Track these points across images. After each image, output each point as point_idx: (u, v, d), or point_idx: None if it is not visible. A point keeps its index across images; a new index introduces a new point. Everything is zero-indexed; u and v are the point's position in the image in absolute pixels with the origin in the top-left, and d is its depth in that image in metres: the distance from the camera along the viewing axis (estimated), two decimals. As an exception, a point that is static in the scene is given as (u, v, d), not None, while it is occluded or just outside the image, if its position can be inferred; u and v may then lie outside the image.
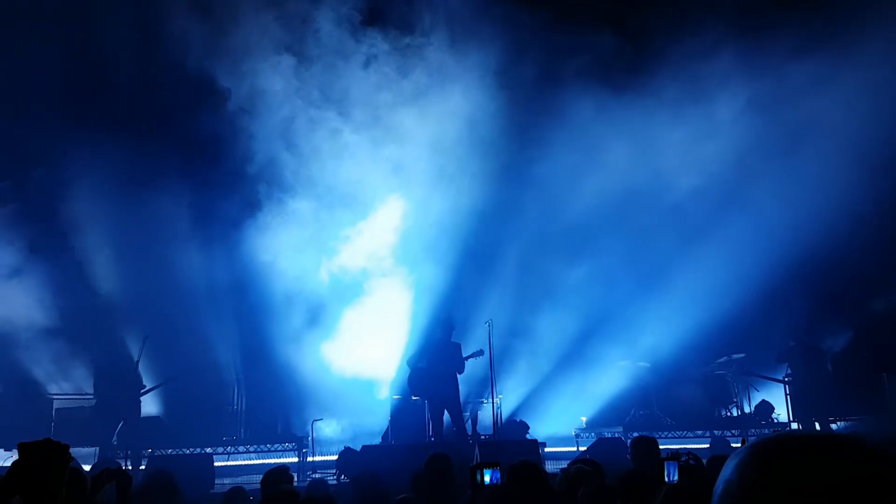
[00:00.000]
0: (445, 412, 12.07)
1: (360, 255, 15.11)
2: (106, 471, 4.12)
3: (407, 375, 12.50)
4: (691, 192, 14.20)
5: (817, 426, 12.69)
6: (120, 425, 11.72)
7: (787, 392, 13.45)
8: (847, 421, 13.04)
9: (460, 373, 12.22)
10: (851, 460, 0.97)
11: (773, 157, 13.85)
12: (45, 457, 1.98)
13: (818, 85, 13.07)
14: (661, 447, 6.72)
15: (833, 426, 12.97)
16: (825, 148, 13.12)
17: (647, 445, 6.34)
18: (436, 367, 12.16)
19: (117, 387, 12.22)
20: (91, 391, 12.86)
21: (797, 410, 13.18)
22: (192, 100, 13.80)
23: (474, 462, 9.74)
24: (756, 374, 13.89)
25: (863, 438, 1.01)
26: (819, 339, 13.62)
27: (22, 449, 2.04)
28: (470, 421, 13.88)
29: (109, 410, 12.08)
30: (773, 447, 1.03)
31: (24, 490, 1.92)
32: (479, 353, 12.15)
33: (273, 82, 14.31)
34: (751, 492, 1.00)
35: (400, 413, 13.06)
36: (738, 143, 13.97)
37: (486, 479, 4.51)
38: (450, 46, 14.77)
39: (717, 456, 6.39)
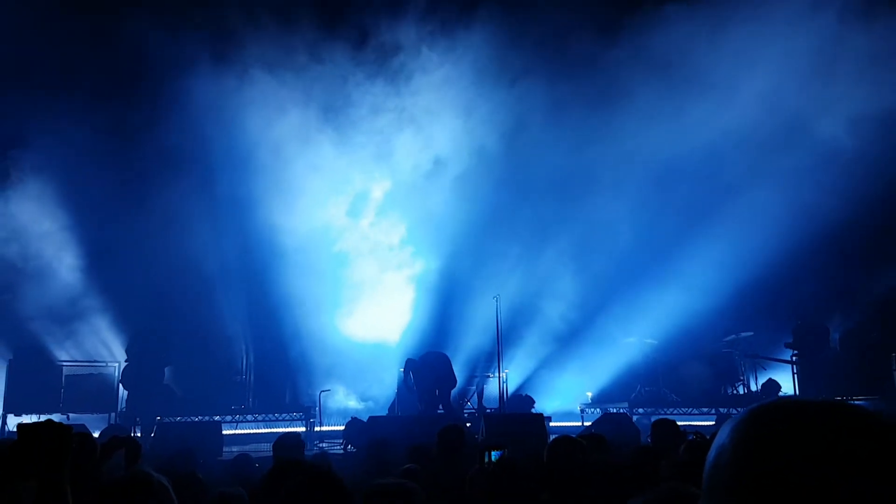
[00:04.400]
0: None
1: (369, 226, 15.14)
2: (114, 438, 4.16)
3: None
4: (700, 171, 14.08)
5: None
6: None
7: (795, 371, 13.43)
8: (857, 400, 13.01)
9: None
10: (848, 426, 0.95)
11: (788, 134, 13.68)
12: (45, 439, 1.91)
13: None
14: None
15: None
16: (837, 127, 12.98)
17: (668, 427, 6.33)
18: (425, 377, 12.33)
19: (149, 353, 12.35)
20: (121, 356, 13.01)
21: (803, 390, 13.17)
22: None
23: (479, 435, 9.86)
24: (762, 356, 13.85)
25: (860, 406, 0.99)
26: (826, 319, 13.57)
27: (21, 431, 1.96)
28: (476, 395, 13.97)
29: (137, 375, 12.22)
30: (768, 412, 1.00)
31: (27, 474, 1.87)
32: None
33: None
34: (744, 455, 0.97)
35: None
36: (749, 123, 13.81)
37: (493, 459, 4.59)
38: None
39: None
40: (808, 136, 13.39)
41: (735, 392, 14.00)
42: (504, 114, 14.94)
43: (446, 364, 12.31)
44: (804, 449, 0.94)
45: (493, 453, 4.55)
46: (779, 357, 13.79)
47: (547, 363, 15.08)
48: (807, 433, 0.95)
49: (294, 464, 3.68)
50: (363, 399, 14.54)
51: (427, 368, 12.17)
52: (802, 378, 13.28)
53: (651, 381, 14.05)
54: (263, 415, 13.00)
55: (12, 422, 12.07)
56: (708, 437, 5.44)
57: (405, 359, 12.66)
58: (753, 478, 0.96)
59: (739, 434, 1.00)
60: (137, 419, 11.96)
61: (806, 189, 13.10)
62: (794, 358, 13.40)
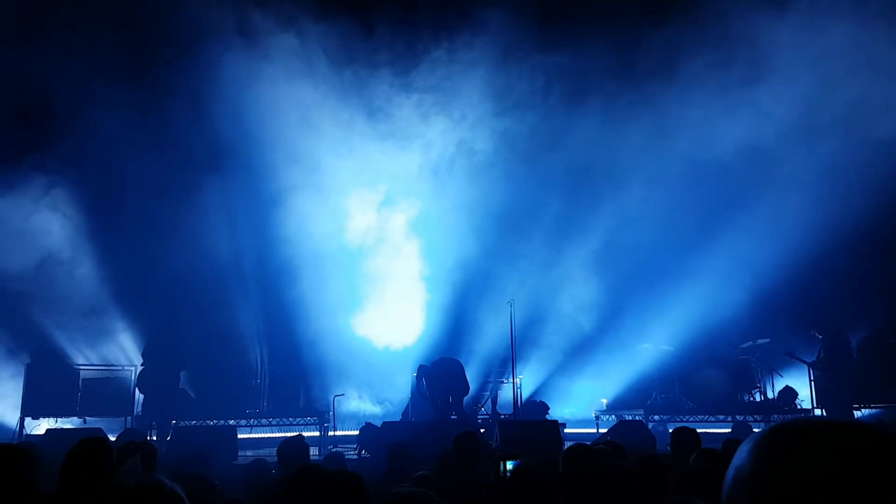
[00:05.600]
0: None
1: (384, 230, 15.16)
2: (130, 443, 4.18)
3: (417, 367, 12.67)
4: (718, 178, 14.01)
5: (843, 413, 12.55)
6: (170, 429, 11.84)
7: (812, 378, 13.29)
8: (876, 408, 12.88)
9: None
10: (864, 447, 0.95)
11: (808, 141, 13.57)
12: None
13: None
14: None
15: (857, 413, 12.80)
16: (859, 135, 12.86)
17: (687, 435, 6.29)
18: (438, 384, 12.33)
19: (165, 357, 12.42)
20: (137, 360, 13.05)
21: (821, 397, 13.04)
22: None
23: (493, 441, 9.83)
24: (797, 356, 13.60)
25: (879, 426, 0.98)
26: (846, 326, 13.43)
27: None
28: (490, 400, 13.94)
29: (152, 378, 12.29)
30: (787, 433, 1.00)
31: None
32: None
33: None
34: (764, 477, 0.98)
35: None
36: (768, 129, 13.73)
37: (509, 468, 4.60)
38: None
39: (732, 439, 6.33)
40: (829, 142, 13.29)
41: (752, 399, 13.89)
42: (523, 117, 14.96)
43: (459, 371, 12.29)
44: (823, 471, 0.93)
45: (508, 463, 4.54)
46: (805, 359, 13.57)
47: (561, 369, 15.03)
48: (825, 455, 0.95)
49: (311, 469, 3.69)
50: (378, 402, 14.57)
51: (440, 375, 12.16)
52: (819, 385, 13.13)
53: (667, 387, 13.97)
54: (278, 419, 13.03)
55: (30, 425, 12.17)
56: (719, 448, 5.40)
57: (418, 365, 12.66)
58: (773, 500, 0.95)
59: (758, 454, 1.00)
60: (153, 423, 12.02)
61: (825, 194, 13.00)
62: (817, 363, 13.21)
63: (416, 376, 12.54)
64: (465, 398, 12.47)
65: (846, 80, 12.95)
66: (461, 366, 12.47)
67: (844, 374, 12.81)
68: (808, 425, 1.00)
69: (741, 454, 1.03)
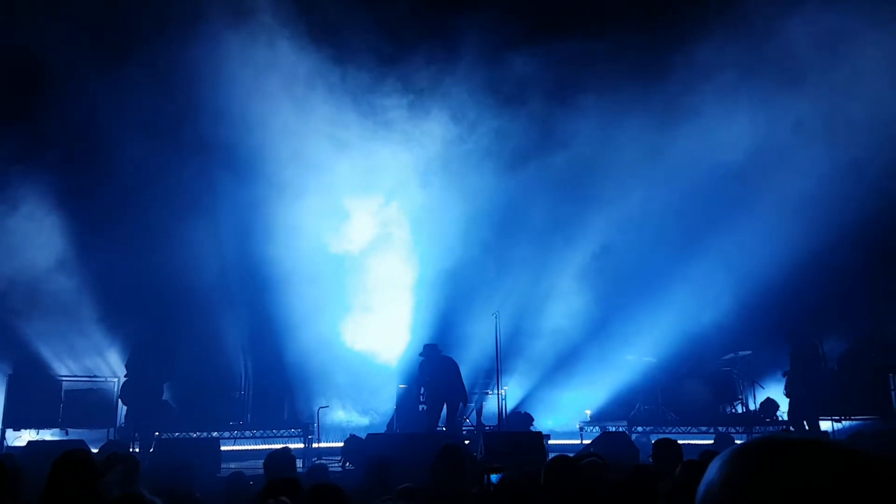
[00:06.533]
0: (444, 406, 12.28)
1: (368, 242, 15.15)
2: (113, 455, 4.18)
3: (418, 363, 12.69)
4: (702, 191, 14.16)
5: (806, 426, 12.65)
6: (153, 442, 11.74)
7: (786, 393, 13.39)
8: (853, 420, 13.01)
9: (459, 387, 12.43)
10: (832, 464, 0.98)
11: (784, 156, 13.77)
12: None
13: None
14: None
15: (827, 425, 12.85)
16: (837, 150, 13.06)
17: (669, 447, 6.34)
18: (440, 379, 12.35)
19: (148, 368, 12.35)
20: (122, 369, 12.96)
21: (791, 410, 13.15)
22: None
23: (478, 453, 9.85)
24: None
25: (846, 444, 1.03)
26: (819, 339, 13.55)
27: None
28: (475, 412, 13.96)
29: (136, 390, 12.22)
30: (756, 451, 1.04)
31: None
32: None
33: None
34: (732, 494, 1.01)
35: (405, 402, 13.18)
36: (751, 143, 13.90)
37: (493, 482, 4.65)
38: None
39: (709, 451, 6.39)
40: (811, 155, 13.48)
41: (734, 411, 13.98)
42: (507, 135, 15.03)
43: (456, 375, 12.37)
44: (790, 489, 0.97)
45: (492, 476, 4.58)
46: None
47: (546, 380, 15.07)
48: (793, 473, 0.99)
49: (287, 482, 3.71)
50: (364, 412, 14.53)
51: (437, 383, 12.22)
52: (790, 397, 13.21)
53: (650, 399, 14.05)
54: (262, 431, 12.97)
55: (11, 436, 12.05)
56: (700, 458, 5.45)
57: (419, 362, 12.68)
58: None
59: (728, 471, 1.04)
60: (136, 435, 11.93)
61: (806, 209, 13.17)
62: (785, 375, 13.33)
63: (420, 370, 12.56)
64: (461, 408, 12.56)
65: (830, 94, 13.17)
66: (457, 368, 12.51)
67: (810, 386, 12.90)
68: (777, 443, 1.04)
69: (712, 470, 1.07)
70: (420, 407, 12.77)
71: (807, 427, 12.43)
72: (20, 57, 12.71)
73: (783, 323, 13.51)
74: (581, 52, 13.76)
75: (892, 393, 12.88)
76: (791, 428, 12.67)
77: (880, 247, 13.66)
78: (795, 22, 13.15)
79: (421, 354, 12.68)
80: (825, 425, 12.78)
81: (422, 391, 12.57)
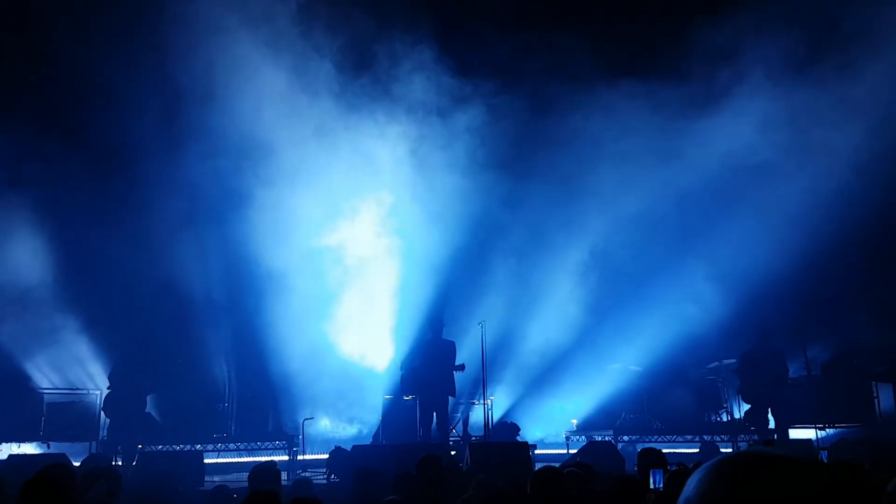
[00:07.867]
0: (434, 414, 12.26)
1: (352, 250, 15.07)
2: (95, 469, 4.13)
3: (400, 376, 12.61)
4: (687, 200, 14.25)
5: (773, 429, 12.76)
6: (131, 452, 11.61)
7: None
8: (840, 427, 13.07)
9: (459, 370, 12.44)
10: (805, 481, 1.00)
11: (777, 163, 13.86)
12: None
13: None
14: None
15: (811, 433, 12.90)
16: (824, 158, 13.20)
17: (654, 457, 6.36)
18: (429, 367, 12.29)
19: (131, 379, 12.23)
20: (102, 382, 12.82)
21: (748, 413, 13.24)
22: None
23: (463, 464, 9.82)
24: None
25: (817, 459, 1.05)
26: (808, 346, 13.60)
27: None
28: (461, 422, 13.92)
29: (119, 402, 12.09)
30: (732, 466, 1.06)
31: None
32: (461, 367, 12.35)
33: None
34: None
35: (391, 413, 13.13)
36: (736, 151, 14.00)
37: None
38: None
39: (681, 462, 6.43)
40: (791, 164, 13.60)
41: (718, 419, 14.04)
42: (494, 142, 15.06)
43: (451, 381, 12.45)
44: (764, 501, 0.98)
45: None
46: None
47: (533, 390, 15.05)
48: (764, 488, 1.01)
49: (267, 495, 3.68)
50: (350, 421, 14.46)
51: (425, 387, 12.26)
52: (753, 405, 13.29)
53: (636, 408, 14.07)
54: (246, 443, 12.88)
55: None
56: (690, 467, 5.46)
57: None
58: None
59: (704, 488, 1.05)
60: (119, 448, 11.81)
61: (792, 217, 13.27)
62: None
63: (401, 377, 12.61)
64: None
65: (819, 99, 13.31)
66: (453, 353, 12.54)
67: (763, 389, 12.97)
68: (752, 459, 1.06)
69: (690, 485, 1.09)
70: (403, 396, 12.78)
71: (775, 437, 12.43)
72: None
73: (771, 331, 13.55)
74: (566, 50, 13.87)
75: (876, 401, 12.96)
76: (754, 431, 12.77)
77: (865, 254, 13.78)
78: (786, 20, 13.31)
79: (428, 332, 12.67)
80: (809, 433, 12.83)
81: (402, 375, 12.57)
